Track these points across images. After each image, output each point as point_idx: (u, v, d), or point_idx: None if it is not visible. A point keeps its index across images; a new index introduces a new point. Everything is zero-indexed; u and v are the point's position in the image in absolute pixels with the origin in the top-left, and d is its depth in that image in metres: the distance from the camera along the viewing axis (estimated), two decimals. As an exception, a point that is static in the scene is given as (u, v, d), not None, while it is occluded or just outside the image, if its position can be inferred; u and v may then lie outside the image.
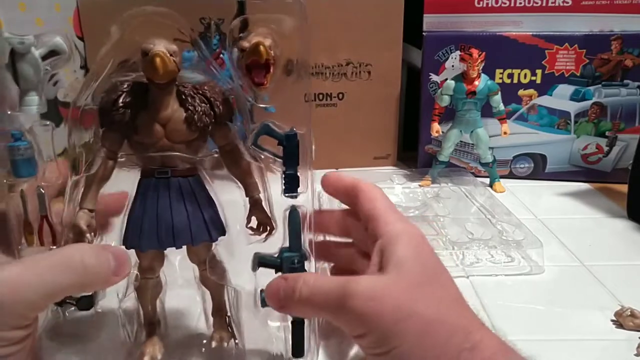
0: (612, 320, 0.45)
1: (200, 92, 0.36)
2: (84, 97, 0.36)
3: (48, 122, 0.37)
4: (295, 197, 0.37)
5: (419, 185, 0.78)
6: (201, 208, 0.38)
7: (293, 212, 0.37)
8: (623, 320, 0.44)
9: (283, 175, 0.37)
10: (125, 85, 0.36)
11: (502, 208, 0.66)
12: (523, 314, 0.47)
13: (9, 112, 0.35)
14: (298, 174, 0.36)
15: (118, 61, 0.37)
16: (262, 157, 0.37)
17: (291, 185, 0.37)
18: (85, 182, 0.37)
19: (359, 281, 0.32)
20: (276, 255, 0.37)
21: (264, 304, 0.35)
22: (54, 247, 0.37)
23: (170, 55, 0.34)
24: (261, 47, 0.35)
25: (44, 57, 0.36)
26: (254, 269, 0.37)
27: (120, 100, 0.35)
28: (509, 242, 0.57)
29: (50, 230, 0.38)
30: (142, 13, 0.36)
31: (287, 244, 0.37)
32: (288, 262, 0.36)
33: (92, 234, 0.36)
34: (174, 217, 0.37)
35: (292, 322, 0.38)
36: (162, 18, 0.36)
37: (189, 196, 0.38)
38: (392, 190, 0.77)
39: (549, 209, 0.71)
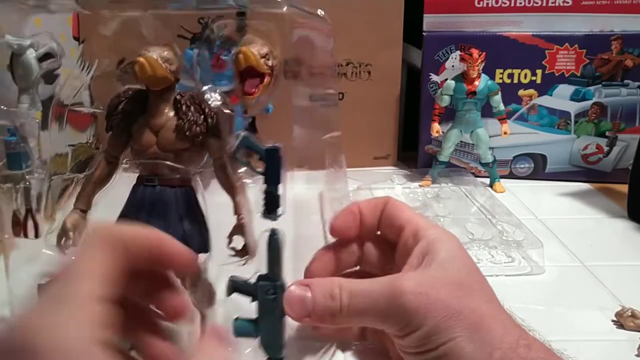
0: (613, 321, 0.45)
1: (197, 101, 0.36)
2: (69, 97, 0.37)
3: (37, 120, 0.39)
4: (274, 219, 0.33)
5: (419, 185, 0.78)
6: (182, 221, 0.37)
7: (273, 236, 0.33)
8: (624, 320, 0.44)
9: (263, 194, 0.33)
10: (129, 92, 0.37)
11: (503, 208, 0.66)
12: (523, 314, 0.46)
13: (4, 108, 0.36)
14: (279, 193, 0.32)
15: (105, 62, 0.37)
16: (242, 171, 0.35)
17: (270, 206, 0.32)
18: (83, 182, 0.37)
19: (405, 277, 0.32)
20: (253, 282, 0.33)
21: (238, 333, 0.33)
22: (37, 239, 0.37)
23: (165, 62, 0.34)
24: (240, 56, 0.35)
25: (41, 59, 0.38)
26: (228, 294, 0.34)
27: (120, 106, 0.36)
28: (509, 243, 0.57)
29: (34, 223, 0.38)
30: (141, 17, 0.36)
31: (265, 270, 0.33)
32: (263, 291, 0.33)
33: (77, 233, 0.36)
34: (150, 225, 0.35)
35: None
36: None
37: (172, 208, 0.37)
38: (392, 190, 0.77)
39: (549, 209, 0.71)
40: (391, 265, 0.37)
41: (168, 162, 0.36)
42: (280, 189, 0.32)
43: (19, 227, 0.37)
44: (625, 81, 0.76)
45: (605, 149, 0.79)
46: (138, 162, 0.37)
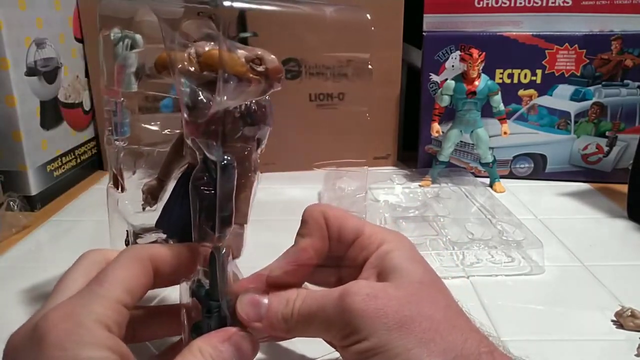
0: (613, 321, 0.45)
1: None
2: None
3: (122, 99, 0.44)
4: (215, 236, 0.31)
5: (419, 185, 0.78)
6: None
7: (211, 256, 0.31)
8: (623, 320, 0.44)
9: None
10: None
11: (502, 208, 0.66)
12: (523, 314, 0.47)
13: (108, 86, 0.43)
14: (221, 211, 0.30)
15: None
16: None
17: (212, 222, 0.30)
18: (165, 155, 0.42)
19: (356, 282, 0.30)
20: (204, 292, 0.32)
21: (195, 334, 0.31)
22: (119, 191, 0.45)
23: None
24: (201, 58, 0.34)
25: (130, 49, 0.43)
26: (190, 296, 0.32)
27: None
28: (509, 243, 0.57)
29: (121, 181, 0.45)
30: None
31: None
32: (205, 307, 0.31)
33: (149, 196, 0.42)
34: (174, 210, 0.38)
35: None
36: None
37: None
38: (392, 190, 0.77)
39: (549, 209, 0.71)
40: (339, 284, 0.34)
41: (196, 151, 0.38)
42: (229, 206, 0.30)
43: (115, 181, 0.45)
44: (625, 81, 0.76)
45: (605, 149, 0.79)
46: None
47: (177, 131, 0.42)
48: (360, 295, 0.28)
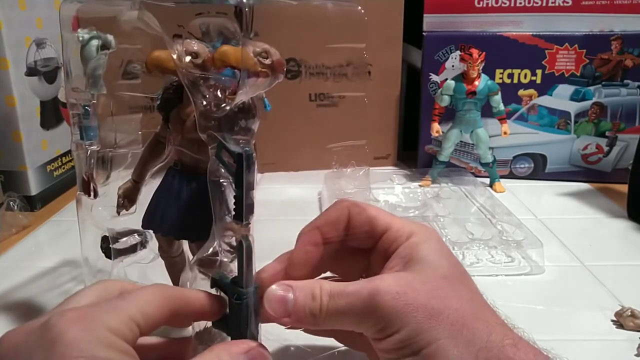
0: (613, 321, 0.45)
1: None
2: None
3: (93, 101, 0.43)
4: (241, 224, 0.31)
5: (419, 185, 0.78)
6: (197, 207, 0.38)
7: (241, 243, 0.32)
8: (623, 320, 0.44)
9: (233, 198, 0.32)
10: (175, 82, 0.40)
11: (502, 208, 0.66)
12: (523, 314, 0.47)
13: (77, 89, 0.42)
14: (245, 200, 0.31)
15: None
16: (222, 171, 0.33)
17: (236, 212, 0.31)
18: (139, 157, 0.43)
19: (384, 277, 0.30)
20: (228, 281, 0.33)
21: (214, 326, 0.32)
22: (95, 199, 0.44)
23: (189, 55, 0.35)
24: (217, 55, 0.36)
25: (100, 49, 0.42)
26: (211, 287, 0.33)
27: (164, 94, 0.40)
28: (509, 242, 0.57)
29: (93, 186, 0.44)
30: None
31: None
32: (231, 293, 0.32)
33: (125, 200, 0.43)
34: (168, 208, 0.39)
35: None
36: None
37: (189, 193, 0.39)
38: (392, 190, 0.77)
39: (549, 209, 0.71)
40: (366, 272, 0.36)
41: (186, 151, 0.39)
42: (251, 195, 0.31)
43: (86, 187, 0.43)
44: (625, 81, 0.76)
45: (605, 149, 0.79)
46: (171, 146, 0.40)
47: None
48: (390, 294, 0.29)
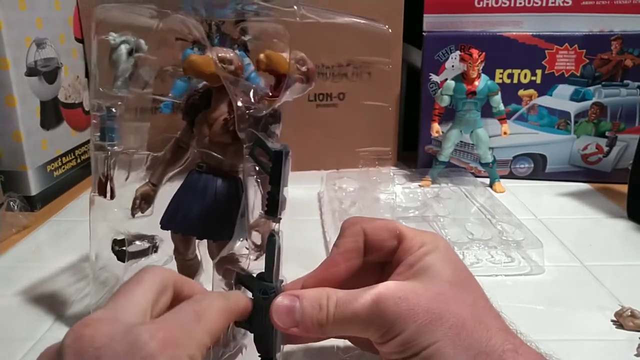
0: (612, 321, 0.45)
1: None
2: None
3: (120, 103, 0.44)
4: (273, 220, 0.33)
5: (419, 185, 0.78)
6: (220, 207, 0.40)
7: (270, 238, 0.33)
8: (623, 320, 0.44)
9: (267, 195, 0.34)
10: (202, 88, 0.41)
11: (502, 208, 0.66)
12: (523, 314, 0.47)
13: (101, 90, 0.43)
14: (279, 195, 0.33)
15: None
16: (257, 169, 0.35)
17: (269, 207, 0.33)
18: (158, 161, 0.44)
19: (387, 284, 0.31)
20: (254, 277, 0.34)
21: (236, 324, 0.33)
22: (107, 198, 0.44)
23: (221, 62, 0.37)
24: (262, 56, 0.38)
25: (130, 53, 0.43)
26: (235, 284, 0.35)
27: (191, 100, 0.41)
28: (509, 243, 0.57)
29: (111, 187, 0.44)
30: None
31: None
32: (257, 289, 0.33)
33: (142, 202, 0.43)
34: (192, 207, 0.40)
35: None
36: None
37: (213, 194, 0.40)
38: (392, 190, 0.77)
39: (549, 209, 0.71)
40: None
41: (213, 153, 0.40)
42: (284, 191, 0.33)
43: (102, 188, 0.43)
44: (625, 81, 0.76)
45: (605, 149, 0.79)
46: (195, 149, 0.42)
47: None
48: (393, 299, 0.30)
